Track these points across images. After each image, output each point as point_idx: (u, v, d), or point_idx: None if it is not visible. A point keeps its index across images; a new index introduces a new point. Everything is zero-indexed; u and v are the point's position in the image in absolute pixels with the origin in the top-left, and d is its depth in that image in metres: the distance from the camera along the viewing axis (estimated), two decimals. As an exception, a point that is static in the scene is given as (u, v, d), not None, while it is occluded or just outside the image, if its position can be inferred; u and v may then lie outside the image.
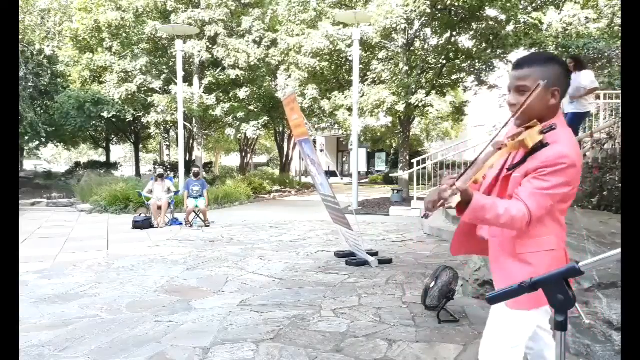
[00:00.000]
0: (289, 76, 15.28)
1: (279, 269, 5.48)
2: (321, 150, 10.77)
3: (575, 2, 11.16)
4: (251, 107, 18.37)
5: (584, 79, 6.89)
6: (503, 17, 12.60)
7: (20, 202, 11.54)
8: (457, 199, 1.51)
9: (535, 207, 1.55)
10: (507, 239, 1.68)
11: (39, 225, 9.40)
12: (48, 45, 18.44)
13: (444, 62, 14.06)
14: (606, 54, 9.45)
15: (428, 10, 11.73)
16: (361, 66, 13.54)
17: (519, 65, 1.67)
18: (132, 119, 18.69)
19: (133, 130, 22.31)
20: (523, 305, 1.59)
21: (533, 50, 12.60)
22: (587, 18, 10.56)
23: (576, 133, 7.29)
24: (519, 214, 1.55)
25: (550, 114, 1.63)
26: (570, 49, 9.99)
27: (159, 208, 9.41)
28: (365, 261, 5.57)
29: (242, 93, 17.32)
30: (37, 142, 21.48)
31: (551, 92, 1.61)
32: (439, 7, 12.24)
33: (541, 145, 1.57)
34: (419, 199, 11.34)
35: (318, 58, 14.22)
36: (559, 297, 1.18)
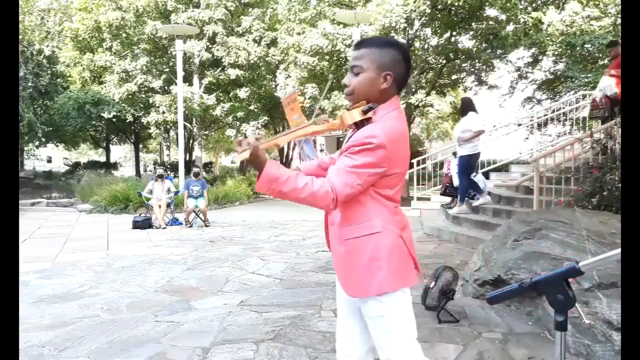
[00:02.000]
0: (289, 75, 15.28)
1: (279, 269, 5.48)
2: (321, 150, 10.76)
3: (579, 1, 11.16)
4: (251, 107, 18.38)
5: (471, 121, 7.07)
6: (503, 17, 12.61)
7: (20, 202, 11.54)
8: (244, 155, 1.47)
9: (340, 184, 1.50)
10: (336, 226, 1.66)
11: (39, 225, 9.40)
12: (48, 46, 18.44)
13: (444, 62, 14.07)
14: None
15: (428, 10, 11.73)
16: (361, 66, 13.52)
17: (356, 45, 1.66)
18: (132, 119, 18.70)
19: (133, 131, 22.32)
20: (386, 287, 1.57)
21: (533, 50, 12.62)
22: (589, 16, 10.56)
23: (470, 172, 7.51)
24: (320, 190, 1.49)
25: (382, 97, 1.60)
26: (576, 47, 9.99)
27: (160, 208, 9.41)
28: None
29: (242, 93, 17.33)
30: (37, 143, 21.48)
31: (383, 75, 1.58)
32: (439, 7, 12.24)
33: (361, 125, 1.58)
34: (419, 199, 11.34)
35: (317, 57, 14.22)
36: (559, 297, 1.18)
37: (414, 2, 11.42)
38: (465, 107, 7.27)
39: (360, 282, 1.62)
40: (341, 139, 32.10)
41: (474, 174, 8.07)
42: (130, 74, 17.20)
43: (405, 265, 1.63)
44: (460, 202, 7.91)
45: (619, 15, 10.72)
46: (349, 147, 1.54)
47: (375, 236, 1.58)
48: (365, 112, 1.58)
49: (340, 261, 1.68)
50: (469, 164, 7.31)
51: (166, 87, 17.48)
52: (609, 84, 6.62)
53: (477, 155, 7.36)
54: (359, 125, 1.59)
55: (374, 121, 1.57)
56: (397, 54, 1.60)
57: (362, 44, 1.64)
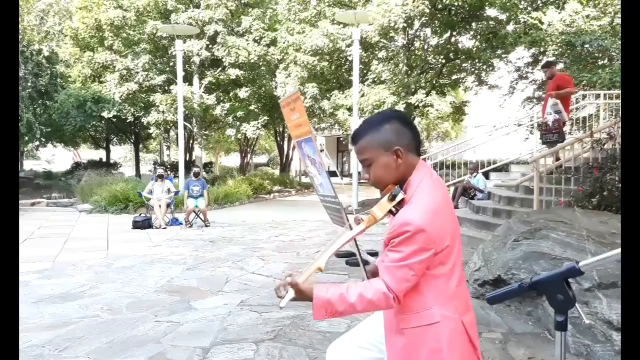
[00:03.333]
0: (289, 75, 15.28)
1: (279, 269, 5.48)
2: (321, 150, 10.76)
3: (579, 1, 11.16)
4: (251, 107, 18.39)
5: None
6: (503, 16, 12.61)
7: (20, 202, 11.54)
8: (288, 298, 1.43)
9: (394, 282, 1.42)
10: (392, 313, 1.56)
11: (39, 225, 9.40)
12: (47, 46, 18.46)
13: (444, 62, 14.07)
14: (612, 51, 9.44)
15: (427, 10, 11.74)
16: (361, 66, 13.55)
17: (353, 139, 1.59)
18: (132, 119, 18.70)
19: (133, 131, 22.31)
20: None
21: (533, 50, 12.61)
22: (588, 16, 10.55)
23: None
24: (376, 294, 1.42)
25: (404, 171, 1.54)
26: (576, 46, 9.98)
27: (160, 208, 9.41)
28: (365, 261, 5.56)
29: (243, 93, 17.33)
30: (37, 143, 21.48)
31: (393, 152, 1.52)
32: (439, 7, 12.25)
33: (396, 213, 1.49)
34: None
35: (318, 57, 14.22)
36: (559, 297, 1.18)
37: (413, 1, 11.42)
38: None
39: None
40: (341, 139, 32.08)
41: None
42: (132, 71, 17.21)
43: (467, 354, 1.50)
44: None
45: (618, 15, 10.73)
46: (390, 239, 1.46)
47: (434, 326, 1.47)
48: (392, 199, 1.50)
49: (396, 351, 1.56)
50: None
51: (166, 87, 17.48)
52: (554, 103, 6.70)
53: None
54: (393, 212, 1.51)
55: (407, 200, 1.50)
56: (393, 126, 1.54)
57: (357, 136, 1.58)
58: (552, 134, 6.70)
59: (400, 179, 1.54)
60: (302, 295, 1.45)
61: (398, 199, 1.49)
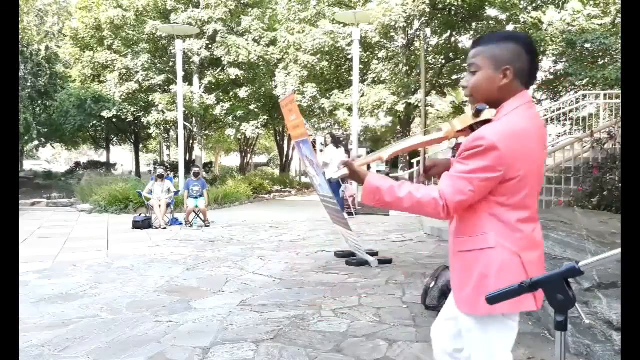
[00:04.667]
0: (288, 74, 15.28)
1: (279, 269, 5.47)
2: (321, 151, 10.75)
3: (580, 0, 11.17)
4: (251, 107, 18.40)
5: (337, 155, 8.58)
6: (503, 16, 12.61)
7: (20, 202, 11.54)
8: (340, 173, 1.51)
9: (450, 191, 1.41)
10: (453, 236, 1.59)
11: (39, 225, 9.39)
12: (46, 46, 18.44)
13: (444, 62, 14.07)
14: (613, 50, 9.44)
15: (427, 10, 11.74)
16: (361, 66, 13.55)
17: (473, 43, 1.57)
18: (132, 119, 18.70)
19: (133, 131, 22.32)
20: (489, 308, 1.34)
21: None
22: (589, 15, 10.56)
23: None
24: (425, 197, 1.43)
25: (504, 94, 1.49)
26: (577, 45, 9.99)
27: (160, 208, 9.40)
28: (365, 261, 5.57)
29: (242, 93, 17.33)
30: (37, 143, 21.44)
31: (501, 71, 1.47)
32: (439, 6, 12.25)
33: (474, 128, 1.48)
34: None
35: (318, 56, 14.22)
36: (559, 297, 1.18)
37: (413, 1, 11.42)
38: (334, 141, 9.17)
39: (468, 299, 1.52)
40: (340, 139, 32.03)
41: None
42: (132, 71, 17.21)
43: None
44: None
45: (619, 15, 10.73)
46: (461, 152, 1.45)
47: (488, 252, 1.46)
48: (476, 114, 1.47)
49: (455, 273, 1.60)
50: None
51: (166, 87, 17.49)
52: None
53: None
54: (474, 129, 1.49)
55: (494, 121, 1.47)
56: (516, 47, 1.48)
57: (478, 41, 1.55)
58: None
59: (496, 99, 1.51)
60: (355, 176, 1.54)
61: (483, 116, 1.47)
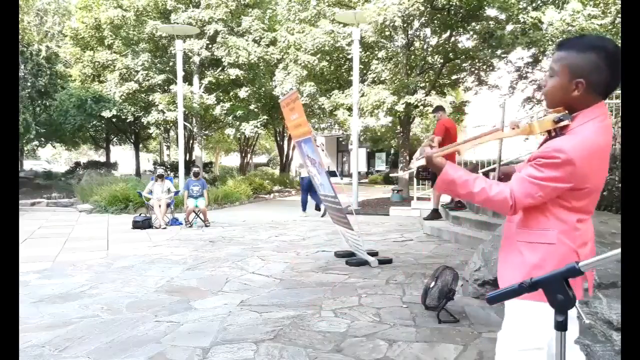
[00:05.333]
0: (288, 74, 15.27)
1: (279, 269, 5.47)
2: (321, 150, 10.78)
3: (579, 1, 11.16)
4: (251, 107, 18.40)
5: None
6: (503, 16, 12.60)
7: (20, 202, 11.54)
8: (418, 163, 1.58)
9: (521, 193, 1.50)
10: (515, 225, 1.65)
11: (39, 225, 9.40)
12: (46, 45, 18.45)
13: (443, 62, 14.07)
14: None
15: (422, 9, 11.72)
16: (361, 66, 13.55)
17: (558, 45, 1.58)
18: (132, 119, 18.69)
19: (133, 131, 22.32)
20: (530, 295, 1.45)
21: (533, 50, 12.61)
22: (589, 15, 10.55)
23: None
24: (498, 195, 1.52)
25: (576, 104, 1.52)
26: None
27: (160, 208, 9.41)
28: (365, 261, 5.57)
29: (243, 93, 17.34)
30: (37, 143, 21.42)
31: (574, 82, 1.49)
32: (438, 6, 12.24)
33: (554, 135, 1.52)
34: (419, 199, 11.34)
35: (318, 55, 14.21)
36: (559, 297, 1.18)
37: (408, 0, 11.41)
38: None
39: (514, 280, 1.57)
40: (341, 139, 32.05)
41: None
42: (132, 71, 17.21)
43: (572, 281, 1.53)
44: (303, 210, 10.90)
45: (619, 15, 10.72)
46: (537, 157, 1.50)
47: (548, 246, 1.55)
48: (557, 121, 1.51)
49: (507, 259, 1.67)
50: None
51: (166, 87, 17.49)
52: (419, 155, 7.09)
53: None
54: (551, 133, 1.54)
55: (570, 129, 1.50)
56: (596, 59, 1.47)
57: (563, 45, 1.55)
58: (427, 172, 7.53)
59: (566, 107, 1.54)
60: (433, 166, 1.64)
61: (562, 124, 1.51)
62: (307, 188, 10.53)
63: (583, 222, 1.57)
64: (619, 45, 1.51)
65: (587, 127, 1.49)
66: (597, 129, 1.49)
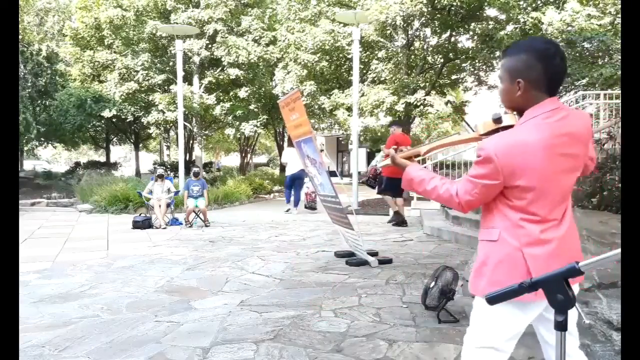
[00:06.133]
0: (288, 73, 15.27)
1: (279, 269, 5.47)
2: (321, 150, 10.77)
3: (579, 1, 11.16)
4: (251, 107, 18.41)
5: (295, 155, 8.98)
6: (503, 16, 12.60)
7: (20, 202, 11.53)
8: (384, 163, 1.72)
9: (461, 191, 1.60)
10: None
11: (39, 225, 9.39)
12: (46, 45, 18.47)
13: (443, 61, 14.07)
14: (612, 49, 9.44)
15: (424, 9, 11.72)
16: (361, 66, 13.54)
17: (502, 54, 1.71)
18: (132, 119, 18.68)
19: (133, 131, 22.30)
20: (482, 293, 1.55)
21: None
22: (589, 15, 10.55)
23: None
24: (444, 193, 1.64)
25: (524, 104, 1.57)
26: (577, 45, 10.00)
27: (160, 208, 9.40)
28: (365, 261, 5.57)
29: (242, 93, 17.34)
30: (37, 143, 21.41)
31: (516, 83, 1.57)
32: (438, 6, 12.24)
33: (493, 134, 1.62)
34: (419, 199, 11.33)
35: (318, 55, 14.21)
36: (558, 297, 1.18)
37: (411, 0, 11.42)
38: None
39: (471, 281, 1.71)
40: (341, 139, 32.04)
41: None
42: (131, 70, 17.21)
43: (512, 279, 1.47)
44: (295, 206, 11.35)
45: (619, 15, 10.72)
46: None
47: (492, 244, 1.61)
48: (496, 122, 1.63)
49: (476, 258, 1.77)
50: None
51: (166, 87, 17.48)
52: (382, 158, 7.20)
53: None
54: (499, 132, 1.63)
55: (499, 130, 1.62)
56: (527, 58, 1.55)
57: (504, 52, 1.68)
58: (374, 180, 7.72)
59: (520, 108, 1.61)
60: (397, 166, 1.82)
61: (505, 122, 1.62)
62: (290, 185, 11.57)
63: (531, 223, 1.55)
64: (549, 40, 1.60)
65: (525, 125, 1.54)
66: (532, 126, 1.52)
